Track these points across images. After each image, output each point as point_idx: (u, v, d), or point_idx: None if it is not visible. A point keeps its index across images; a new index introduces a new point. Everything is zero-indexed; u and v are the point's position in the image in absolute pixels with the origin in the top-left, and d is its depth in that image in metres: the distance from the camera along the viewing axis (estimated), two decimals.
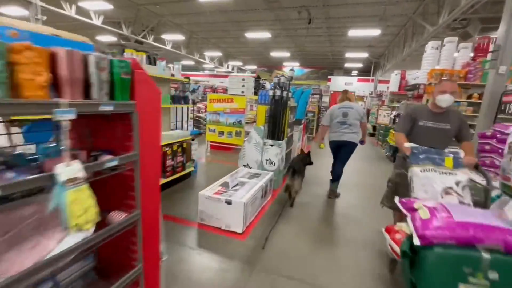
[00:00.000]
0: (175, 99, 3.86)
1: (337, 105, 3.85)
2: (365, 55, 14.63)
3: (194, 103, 9.81)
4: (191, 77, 19.90)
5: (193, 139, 4.35)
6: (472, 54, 5.92)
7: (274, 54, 16.19)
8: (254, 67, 22.33)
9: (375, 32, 10.11)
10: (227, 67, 21.06)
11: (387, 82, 18.95)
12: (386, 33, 12.30)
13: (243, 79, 6.15)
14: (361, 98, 19.68)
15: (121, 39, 12.91)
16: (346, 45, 14.37)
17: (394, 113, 6.83)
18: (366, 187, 4.76)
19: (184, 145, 3.85)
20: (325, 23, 10.63)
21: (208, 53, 17.63)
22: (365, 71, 20.79)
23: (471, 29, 8.02)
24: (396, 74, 10.72)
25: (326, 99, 20.20)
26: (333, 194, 4.03)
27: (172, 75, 4.06)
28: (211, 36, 14.71)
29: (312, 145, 8.37)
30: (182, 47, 14.73)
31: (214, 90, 14.96)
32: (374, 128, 12.16)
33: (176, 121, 4.26)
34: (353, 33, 10.37)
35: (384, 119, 8.56)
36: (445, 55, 6.01)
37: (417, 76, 11.06)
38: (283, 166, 4.26)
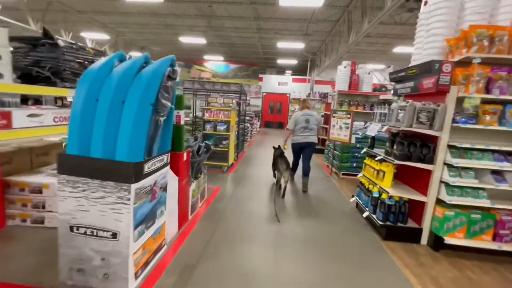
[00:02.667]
0: None
1: (300, 113, 4.54)
2: (300, 45, 11.60)
3: None
4: None
5: None
6: None
7: (185, 40, 11.81)
8: None
9: (317, 2, 6.84)
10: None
11: (325, 82, 16.69)
12: (324, 18, 9.37)
13: None
14: (297, 101, 17.04)
15: None
16: (277, 32, 11.08)
17: (374, 127, 3.25)
18: None
19: None
20: None
21: (88, 35, 12.07)
22: (300, 71, 18.27)
23: None
24: (345, 67, 7.70)
25: (257, 102, 16.85)
26: (306, 187, 4.55)
27: None
28: (78, 5, 9.40)
29: (227, 187, 4.40)
30: (29, 18, 9.02)
31: None
32: (320, 141, 8.93)
33: None
34: (285, 2, 6.90)
35: (341, 133, 5.19)
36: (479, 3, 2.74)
37: (369, 71, 8.33)
38: None
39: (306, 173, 4.52)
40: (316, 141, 4.49)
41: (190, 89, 6.89)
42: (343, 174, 5.51)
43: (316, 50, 14.01)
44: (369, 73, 7.68)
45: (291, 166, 4.43)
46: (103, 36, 12.16)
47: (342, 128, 5.20)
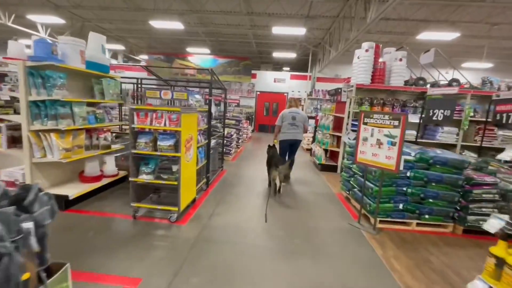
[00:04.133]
0: None
1: (287, 110, 4.70)
2: (300, 32, 9.31)
3: None
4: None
5: None
6: None
7: (158, 24, 9.48)
8: (146, 56, 14.99)
9: None
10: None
11: (328, 80, 14.24)
12: None
13: None
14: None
15: None
16: (272, 15, 8.82)
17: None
18: None
19: None
20: None
21: (39, 18, 9.68)
22: (299, 69, 16.01)
23: None
24: (367, 50, 5.51)
25: (250, 102, 14.52)
26: (288, 176, 4.67)
27: None
28: None
29: (154, 280, 2.11)
30: None
31: None
32: (328, 153, 6.66)
33: None
34: None
35: (380, 153, 2.92)
36: None
37: (401, 56, 5.94)
38: None
39: (291, 165, 4.67)
40: (302, 138, 4.76)
41: (130, 78, 4.57)
42: (381, 221, 3.20)
43: (318, 42, 11.76)
44: (400, 60, 5.45)
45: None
46: (58, 20, 9.76)
47: (383, 144, 2.91)
